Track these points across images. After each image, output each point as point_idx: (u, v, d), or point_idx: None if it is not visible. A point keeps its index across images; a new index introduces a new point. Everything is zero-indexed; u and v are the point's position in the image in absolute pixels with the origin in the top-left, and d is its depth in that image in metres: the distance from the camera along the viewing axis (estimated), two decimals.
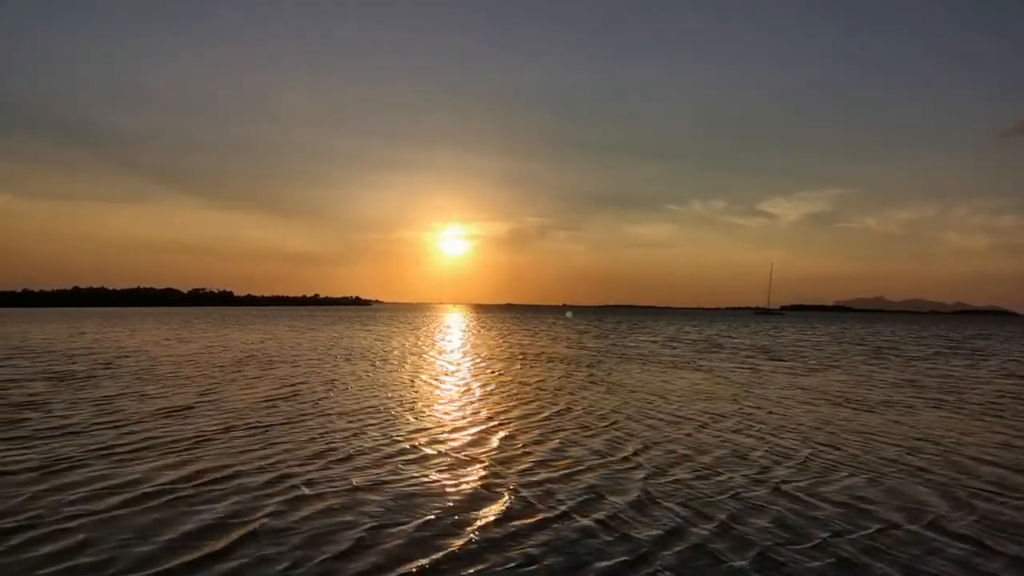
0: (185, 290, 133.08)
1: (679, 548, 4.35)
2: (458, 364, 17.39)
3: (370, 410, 9.70)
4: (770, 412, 10.08)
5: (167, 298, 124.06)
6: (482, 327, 44.85)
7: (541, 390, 12.22)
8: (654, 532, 4.64)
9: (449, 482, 5.88)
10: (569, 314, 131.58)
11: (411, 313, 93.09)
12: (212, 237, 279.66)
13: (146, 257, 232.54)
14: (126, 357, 17.60)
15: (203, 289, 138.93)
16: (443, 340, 28.76)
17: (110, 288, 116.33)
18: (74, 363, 15.76)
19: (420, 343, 26.21)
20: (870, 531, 4.75)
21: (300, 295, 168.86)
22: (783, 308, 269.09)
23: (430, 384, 13.02)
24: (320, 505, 5.15)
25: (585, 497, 5.46)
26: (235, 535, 4.46)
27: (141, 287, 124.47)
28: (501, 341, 28.16)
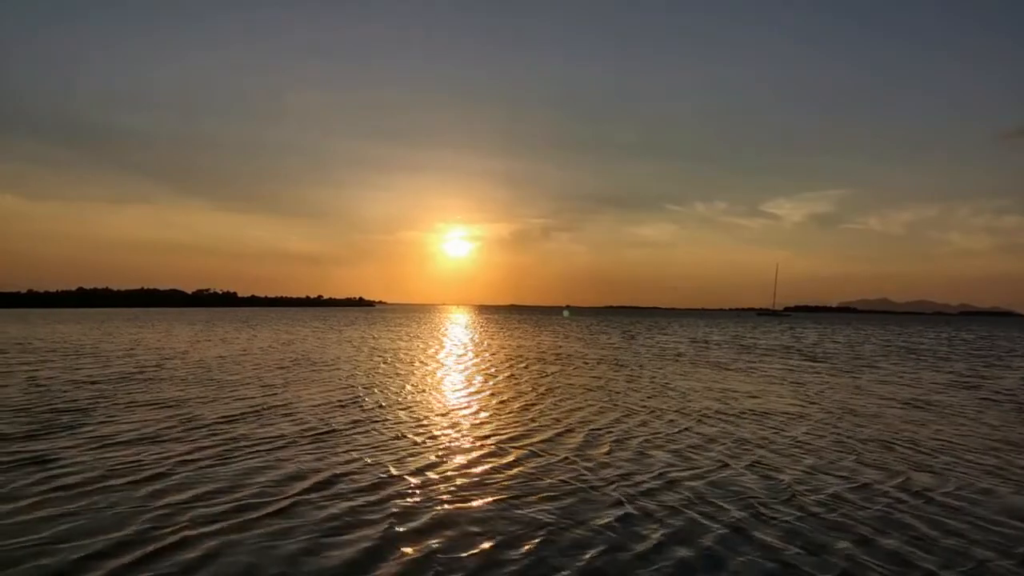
0: (189, 291, 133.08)
1: None
2: (506, 364, 17.11)
3: (458, 411, 9.50)
4: (855, 415, 9.80)
5: (171, 298, 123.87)
6: (499, 328, 44.50)
7: (613, 391, 11.96)
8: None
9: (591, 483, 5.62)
10: (566, 313, 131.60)
11: (419, 314, 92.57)
12: (215, 238, 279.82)
13: (149, 258, 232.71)
14: (178, 358, 17.34)
15: (207, 290, 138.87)
16: (475, 341, 28.47)
17: (115, 289, 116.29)
18: (140, 362, 15.53)
19: (451, 343, 26.00)
20: None
21: (304, 296, 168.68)
22: (787, 309, 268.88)
23: (491, 384, 12.81)
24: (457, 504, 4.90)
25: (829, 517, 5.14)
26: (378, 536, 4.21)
27: (145, 288, 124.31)
28: (531, 342, 27.88)
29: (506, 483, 5.79)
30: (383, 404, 10.08)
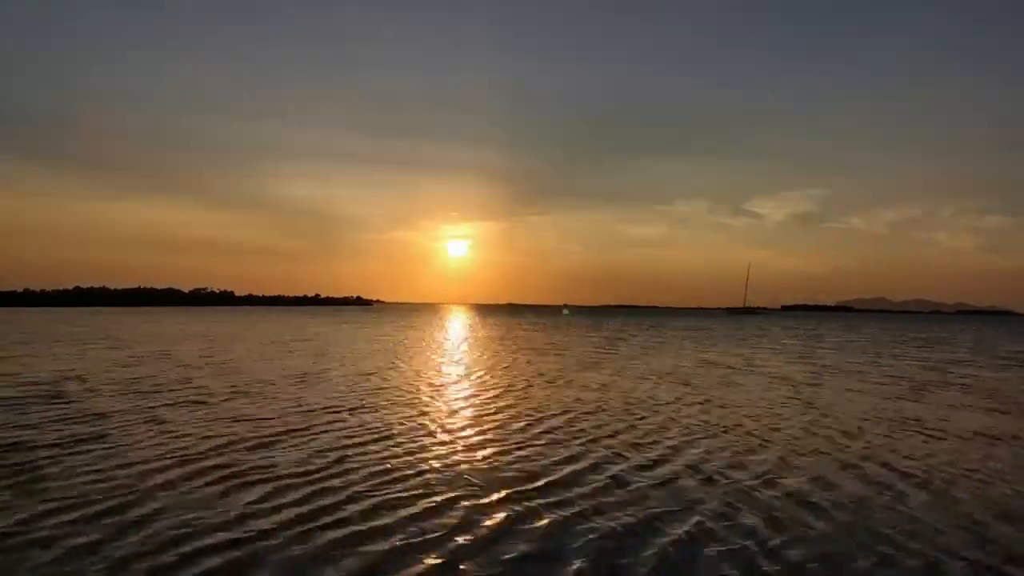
0: (186, 289, 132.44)
1: None
2: (557, 368, 16.19)
3: (548, 411, 9.48)
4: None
5: (169, 297, 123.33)
6: (518, 328, 43.56)
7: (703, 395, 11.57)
8: None
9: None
10: (566, 311, 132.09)
11: (426, 314, 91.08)
12: (210, 236, 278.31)
13: (144, 257, 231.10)
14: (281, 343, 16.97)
15: (204, 289, 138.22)
16: (509, 341, 27.66)
17: (111, 288, 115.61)
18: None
19: (480, 342, 26.07)
20: None
21: (301, 295, 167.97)
22: (785, 308, 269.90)
23: (563, 384, 12.76)
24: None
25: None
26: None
27: (142, 287, 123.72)
28: (562, 338, 27.72)
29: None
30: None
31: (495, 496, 5.18)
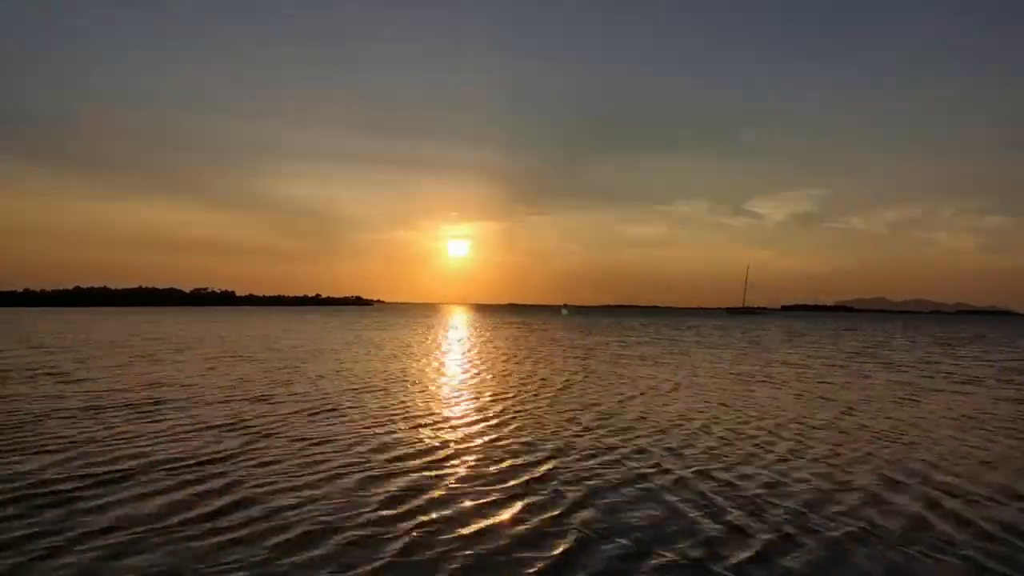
0: (187, 289, 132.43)
1: None
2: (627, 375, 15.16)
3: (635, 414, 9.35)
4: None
5: (170, 297, 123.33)
6: (533, 328, 43.65)
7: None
8: None
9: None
10: (565, 311, 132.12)
11: (432, 314, 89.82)
12: (210, 236, 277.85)
13: (145, 257, 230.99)
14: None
15: (205, 289, 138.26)
16: (547, 344, 26.75)
17: (112, 288, 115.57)
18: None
19: (519, 343, 26.00)
20: None
21: (301, 295, 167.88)
22: (784, 308, 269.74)
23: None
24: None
25: None
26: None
27: (143, 287, 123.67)
28: (599, 339, 27.62)
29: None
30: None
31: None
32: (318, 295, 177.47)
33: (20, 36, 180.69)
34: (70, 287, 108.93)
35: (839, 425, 8.73)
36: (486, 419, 8.87)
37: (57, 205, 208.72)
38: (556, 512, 4.92)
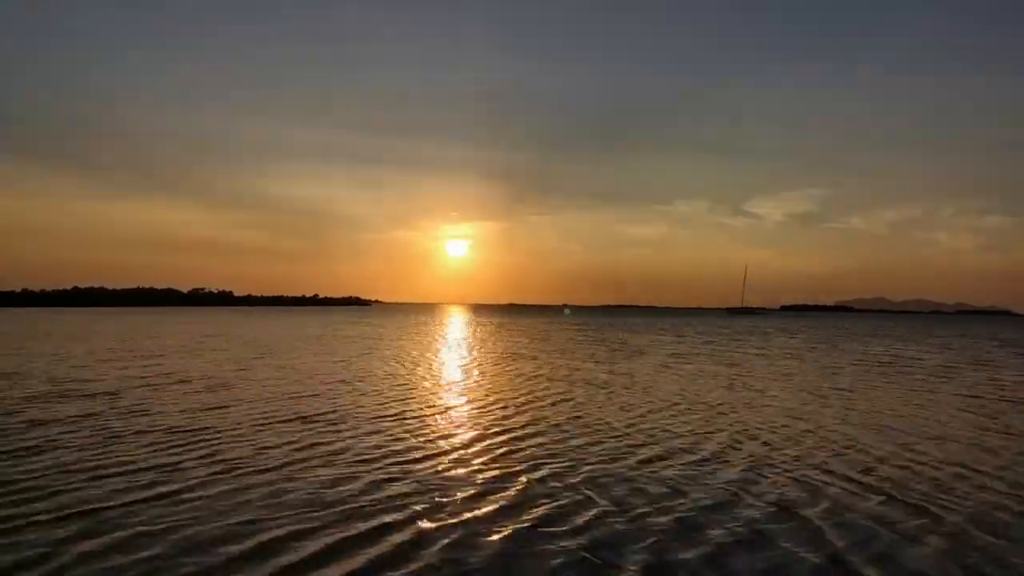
0: (185, 289, 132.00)
1: None
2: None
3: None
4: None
5: (168, 297, 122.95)
6: (545, 328, 43.01)
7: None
8: None
9: None
10: (567, 312, 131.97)
11: (434, 315, 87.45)
12: (209, 236, 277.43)
13: (143, 257, 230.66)
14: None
15: (202, 289, 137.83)
16: (572, 348, 24.58)
17: (110, 288, 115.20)
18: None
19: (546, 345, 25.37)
20: None
21: (299, 295, 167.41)
22: (784, 308, 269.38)
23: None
24: None
25: None
26: None
27: (141, 287, 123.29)
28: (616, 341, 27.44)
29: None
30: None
31: None
32: (316, 295, 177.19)
33: (20, 36, 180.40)
34: (69, 287, 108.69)
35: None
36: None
37: (57, 205, 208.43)
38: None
